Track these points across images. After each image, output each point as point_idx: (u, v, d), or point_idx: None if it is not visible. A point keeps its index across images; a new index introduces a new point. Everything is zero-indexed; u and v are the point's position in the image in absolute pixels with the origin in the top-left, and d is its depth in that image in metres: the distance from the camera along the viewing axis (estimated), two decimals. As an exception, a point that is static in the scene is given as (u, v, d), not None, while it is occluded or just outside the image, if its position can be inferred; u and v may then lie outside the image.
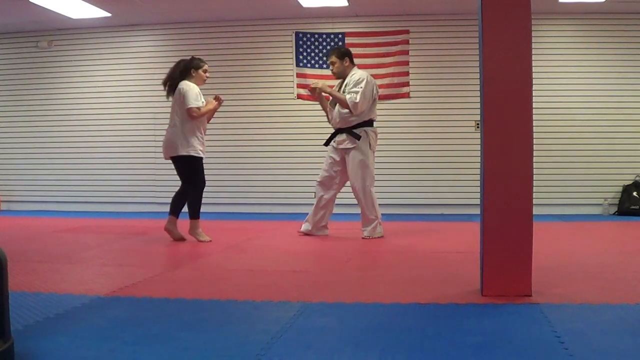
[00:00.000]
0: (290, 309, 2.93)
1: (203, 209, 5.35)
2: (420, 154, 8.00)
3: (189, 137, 5.27)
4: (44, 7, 7.39)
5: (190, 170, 5.33)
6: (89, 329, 2.62)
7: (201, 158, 5.37)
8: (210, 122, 5.62)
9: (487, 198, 3.14)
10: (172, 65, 5.54)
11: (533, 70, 3.13)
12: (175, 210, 5.39)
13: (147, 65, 8.35)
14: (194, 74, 5.38)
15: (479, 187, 3.29)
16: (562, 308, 2.92)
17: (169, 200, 5.41)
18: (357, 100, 5.41)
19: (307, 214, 5.86)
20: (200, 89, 5.38)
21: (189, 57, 5.53)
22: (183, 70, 5.40)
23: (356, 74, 5.56)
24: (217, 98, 5.46)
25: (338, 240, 5.49)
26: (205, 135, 5.49)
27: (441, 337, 2.52)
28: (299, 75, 8.17)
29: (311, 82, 8.08)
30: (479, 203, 3.26)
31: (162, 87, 5.49)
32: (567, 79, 7.77)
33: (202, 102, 5.33)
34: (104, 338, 2.49)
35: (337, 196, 5.77)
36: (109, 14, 7.84)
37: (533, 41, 3.15)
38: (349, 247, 5.02)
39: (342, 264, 4.24)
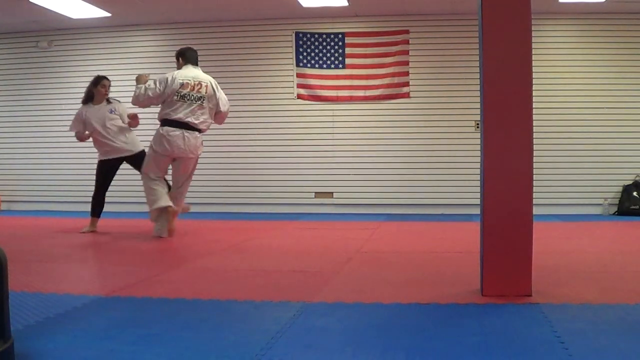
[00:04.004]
0: (290, 309, 2.93)
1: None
2: (421, 154, 8.00)
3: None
4: (44, 7, 7.40)
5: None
6: (89, 329, 2.62)
7: (102, 160, 5.96)
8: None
9: (487, 198, 3.14)
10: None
11: (533, 70, 3.14)
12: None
13: (147, 65, 8.33)
14: (95, 92, 5.88)
15: (479, 187, 3.29)
16: (562, 308, 2.92)
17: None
18: (136, 94, 5.51)
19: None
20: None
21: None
22: (89, 91, 5.95)
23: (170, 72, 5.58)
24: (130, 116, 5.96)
25: (338, 240, 5.49)
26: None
27: (441, 337, 2.51)
28: (299, 75, 8.17)
29: (312, 82, 8.13)
30: (479, 203, 3.25)
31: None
32: (567, 79, 7.77)
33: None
34: (104, 338, 2.49)
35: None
36: (109, 14, 7.84)
37: (533, 41, 3.15)
38: (349, 247, 5.02)
39: (342, 264, 4.24)
